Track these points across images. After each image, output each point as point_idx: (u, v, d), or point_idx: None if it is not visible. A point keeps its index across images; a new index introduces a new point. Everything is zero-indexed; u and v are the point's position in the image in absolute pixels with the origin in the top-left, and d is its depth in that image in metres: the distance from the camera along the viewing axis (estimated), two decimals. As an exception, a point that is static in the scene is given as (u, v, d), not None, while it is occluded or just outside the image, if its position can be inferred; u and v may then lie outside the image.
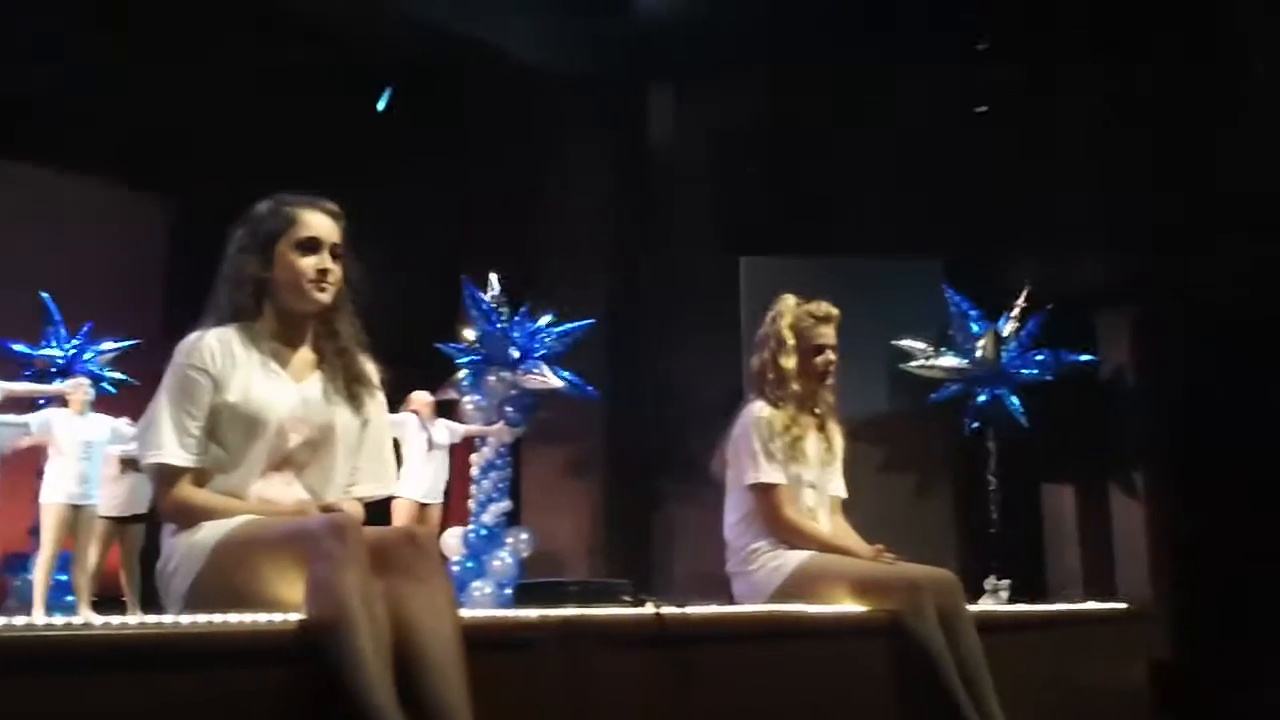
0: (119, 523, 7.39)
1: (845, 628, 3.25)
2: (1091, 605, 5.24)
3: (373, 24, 8.71)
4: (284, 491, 2.43)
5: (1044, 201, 8.06)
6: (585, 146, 9.38)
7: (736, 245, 8.51)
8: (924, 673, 3.19)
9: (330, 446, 2.48)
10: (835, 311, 3.71)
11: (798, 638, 3.05)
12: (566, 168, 9.38)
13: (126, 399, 7.69)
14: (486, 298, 8.44)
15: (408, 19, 8.56)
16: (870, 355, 7.63)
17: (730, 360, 6.96)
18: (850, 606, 3.34)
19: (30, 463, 7.21)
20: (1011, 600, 7.14)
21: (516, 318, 8.42)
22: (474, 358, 8.44)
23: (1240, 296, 6.77)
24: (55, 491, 6.95)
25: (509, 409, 8.43)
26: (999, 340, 8.04)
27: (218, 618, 1.95)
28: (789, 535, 3.51)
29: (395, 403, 5.68)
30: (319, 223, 2.50)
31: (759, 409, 3.60)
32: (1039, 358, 8.07)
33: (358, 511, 2.53)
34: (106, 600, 7.19)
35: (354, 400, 2.53)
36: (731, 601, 3.57)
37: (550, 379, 8.36)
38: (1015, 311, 8.14)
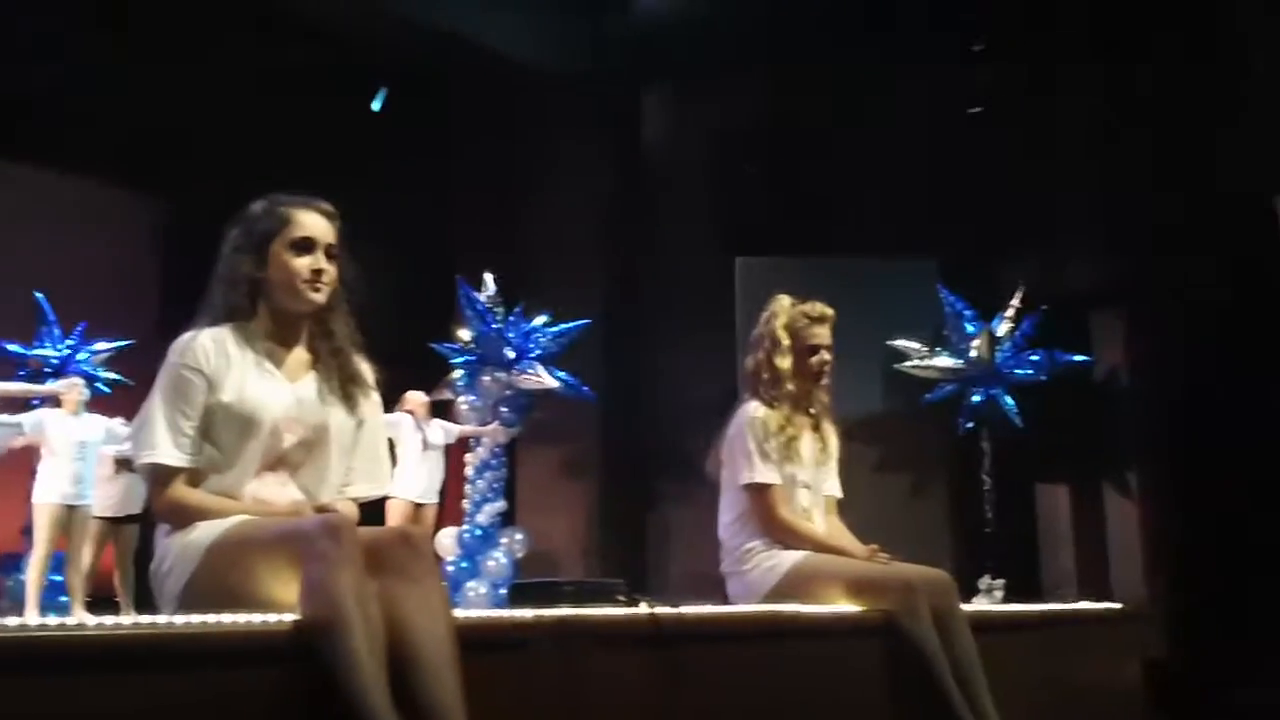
0: (113, 523, 7.39)
1: (840, 628, 3.25)
2: (1086, 605, 5.23)
3: (368, 24, 8.70)
4: (278, 492, 2.43)
5: (1039, 202, 8.08)
6: (581, 146, 9.38)
7: (732, 245, 8.51)
8: (918, 673, 3.19)
9: (325, 447, 2.48)
10: (830, 312, 3.71)
11: (792, 638, 3.05)
12: (562, 167, 9.38)
13: (121, 399, 7.67)
14: (481, 298, 8.43)
15: (403, 19, 8.56)
16: (865, 355, 7.64)
17: (725, 360, 6.96)
18: (845, 607, 3.34)
19: (24, 463, 7.20)
20: (1006, 600, 7.15)
21: (511, 318, 8.41)
22: (469, 358, 8.44)
23: (1234, 297, 6.77)
24: (49, 491, 6.94)
25: (504, 409, 8.42)
26: (993, 340, 8.05)
27: (212, 618, 1.94)
28: (783, 535, 3.51)
29: (390, 403, 5.70)
30: (314, 223, 2.50)
31: (754, 409, 3.60)
32: (1033, 358, 8.07)
33: (352, 512, 2.53)
34: (100, 601, 7.19)
35: (349, 400, 2.53)
36: (726, 602, 3.57)
37: (545, 379, 8.35)
38: (1010, 312, 8.15)
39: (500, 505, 8.39)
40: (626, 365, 9.17)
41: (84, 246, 8.66)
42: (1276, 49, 6.89)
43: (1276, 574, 6.39)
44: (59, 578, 7.15)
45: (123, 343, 8.49)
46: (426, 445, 7.76)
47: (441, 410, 8.26)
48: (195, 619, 1.94)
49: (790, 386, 3.62)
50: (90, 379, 7.87)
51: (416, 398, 7.80)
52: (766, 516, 3.51)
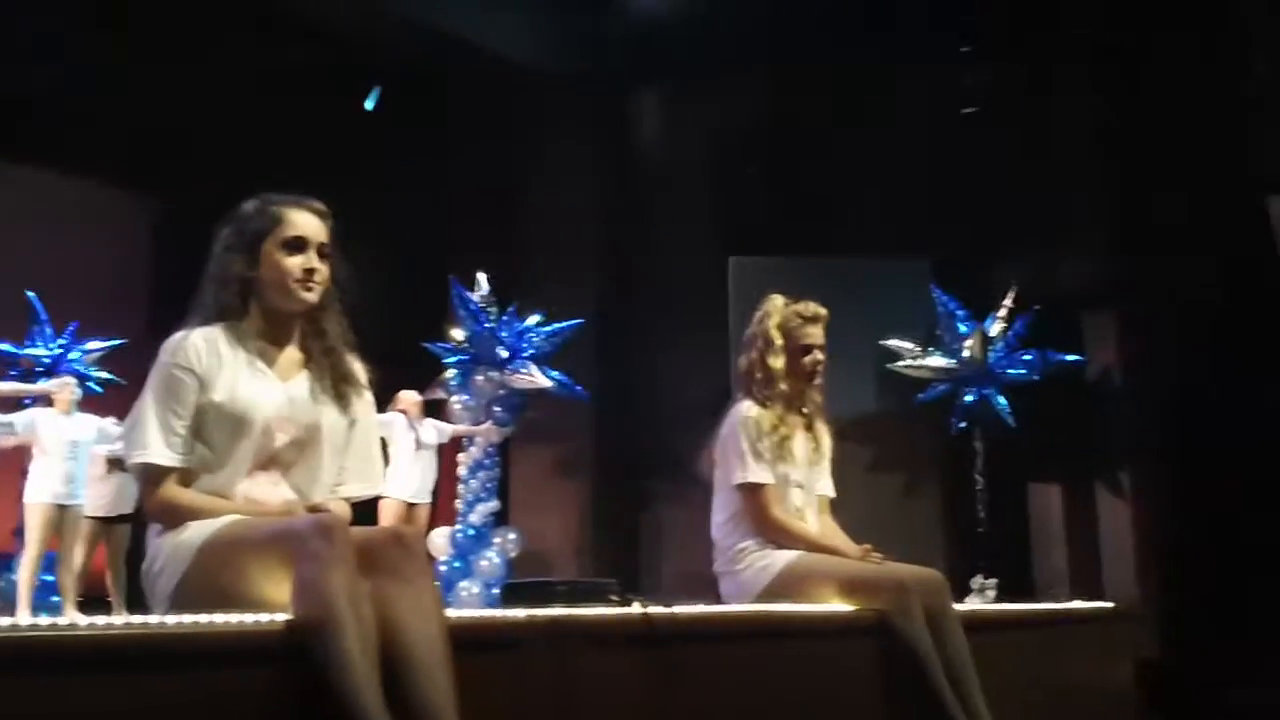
0: (105, 523, 7.37)
1: (832, 627, 3.25)
2: (1078, 605, 5.25)
3: (364, 24, 8.69)
4: (270, 491, 2.42)
5: (1032, 202, 8.08)
6: (574, 146, 9.38)
7: (726, 245, 8.51)
8: (911, 672, 3.19)
9: (317, 446, 2.48)
10: (823, 311, 3.71)
11: (785, 637, 3.05)
12: (555, 167, 9.38)
13: (113, 398, 7.66)
14: (475, 297, 8.42)
15: (398, 19, 8.55)
16: (858, 355, 7.63)
17: (718, 360, 6.97)
18: (838, 606, 3.35)
19: (15, 462, 7.19)
20: (998, 600, 7.16)
21: (505, 317, 8.41)
22: (462, 357, 8.43)
23: (1227, 297, 6.78)
24: (40, 491, 6.93)
25: (497, 409, 8.42)
26: (986, 340, 8.06)
27: (204, 618, 1.94)
28: (776, 535, 3.52)
29: (383, 402, 5.68)
30: (305, 222, 2.49)
31: (747, 409, 3.60)
32: (1026, 358, 8.08)
33: (344, 511, 2.53)
34: (92, 601, 7.17)
35: (341, 400, 2.52)
36: (719, 601, 3.58)
37: (538, 379, 8.35)
38: (1002, 312, 8.16)
39: (493, 505, 8.39)
40: (620, 365, 9.17)
41: (76, 246, 8.65)
42: (1277, 49, 6.90)
43: (1269, 574, 6.40)
44: (51, 578, 7.13)
45: (115, 342, 8.47)
46: (419, 445, 7.75)
47: (434, 410, 8.26)
48: (187, 619, 1.93)
49: (783, 386, 3.62)
50: (82, 378, 7.85)
51: (409, 397, 7.80)
52: (759, 516, 3.52)
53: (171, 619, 1.94)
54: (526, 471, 9.11)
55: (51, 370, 8.12)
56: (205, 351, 2.40)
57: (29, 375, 7.98)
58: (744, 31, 8.51)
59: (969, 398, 8.07)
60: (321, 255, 2.49)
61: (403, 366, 7.69)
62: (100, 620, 1.90)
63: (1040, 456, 8.22)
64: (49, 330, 8.35)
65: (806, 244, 8.07)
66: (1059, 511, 8.41)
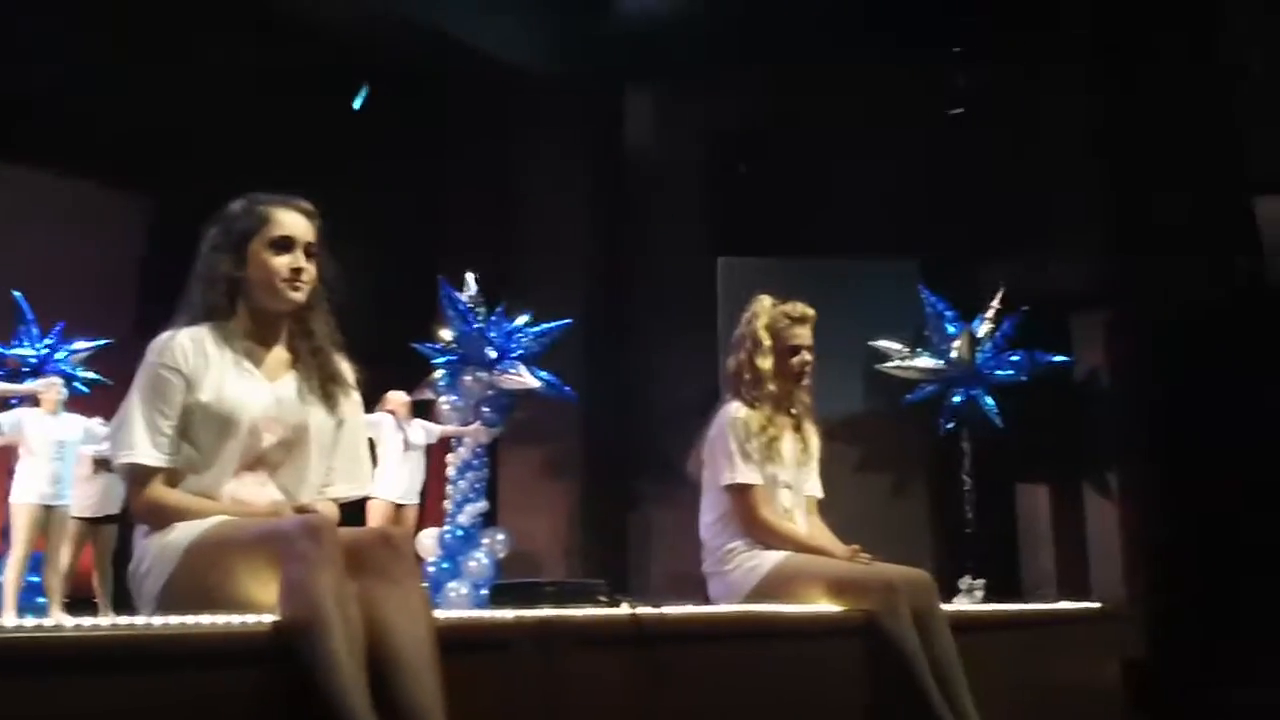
0: (91, 523, 7.34)
1: (821, 628, 3.25)
2: (1065, 605, 5.26)
3: (356, 24, 8.67)
4: (258, 492, 2.42)
5: (1021, 203, 8.10)
6: (563, 146, 9.37)
7: (714, 245, 8.52)
8: (898, 673, 3.20)
9: (304, 446, 2.47)
10: (811, 312, 3.72)
11: (773, 638, 3.05)
12: (545, 167, 9.37)
13: (100, 399, 7.63)
14: (463, 297, 8.41)
15: (390, 19, 8.54)
16: (846, 356, 7.65)
17: (707, 360, 6.98)
18: (826, 607, 3.35)
19: (1, 463, 7.15)
20: (986, 600, 7.17)
21: (493, 318, 8.39)
22: (450, 358, 8.41)
23: (1215, 298, 6.80)
24: (27, 492, 6.90)
25: (486, 409, 8.41)
26: (974, 341, 8.08)
27: (190, 619, 1.93)
28: (765, 535, 3.52)
29: (371, 402, 5.67)
30: (293, 221, 2.48)
31: (735, 409, 3.61)
32: (1014, 359, 8.10)
33: (332, 512, 2.52)
34: (78, 602, 7.14)
35: (329, 400, 2.52)
36: (707, 602, 3.58)
37: (527, 379, 8.34)
38: (990, 313, 8.18)
39: (482, 505, 8.37)
40: (609, 365, 9.17)
41: (63, 245, 8.61)
42: (1272, 49, 6.92)
43: (1256, 574, 6.42)
44: (37, 579, 7.11)
45: (101, 342, 8.44)
46: (408, 445, 7.74)
47: (423, 410, 8.25)
48: (174, 620, 1.93)
49: (771, 387, 3.62)
50: (69, 378, 7.83)
51: (398, 397, 7.78)
52: (748, 517, 3.52)
53: (158, 620, 1.94)
54: (515, 472, 9.10)
55: (38, 370, 8.08)
56: (192, 351, 2.40)
57: (15, 375, 7.94)
58: (734, 33, 8.52)
59: (957, 398, 8.09)
60: (309, 255, 2.48)
61: (391, 367, 7.69)
62: (87, 621, 1.89)
63: (1028, 457, 8.25)
64: (35, 330, 8.32)
65: (794, 244, 8.08)
66: (1046, 512, 8.44)
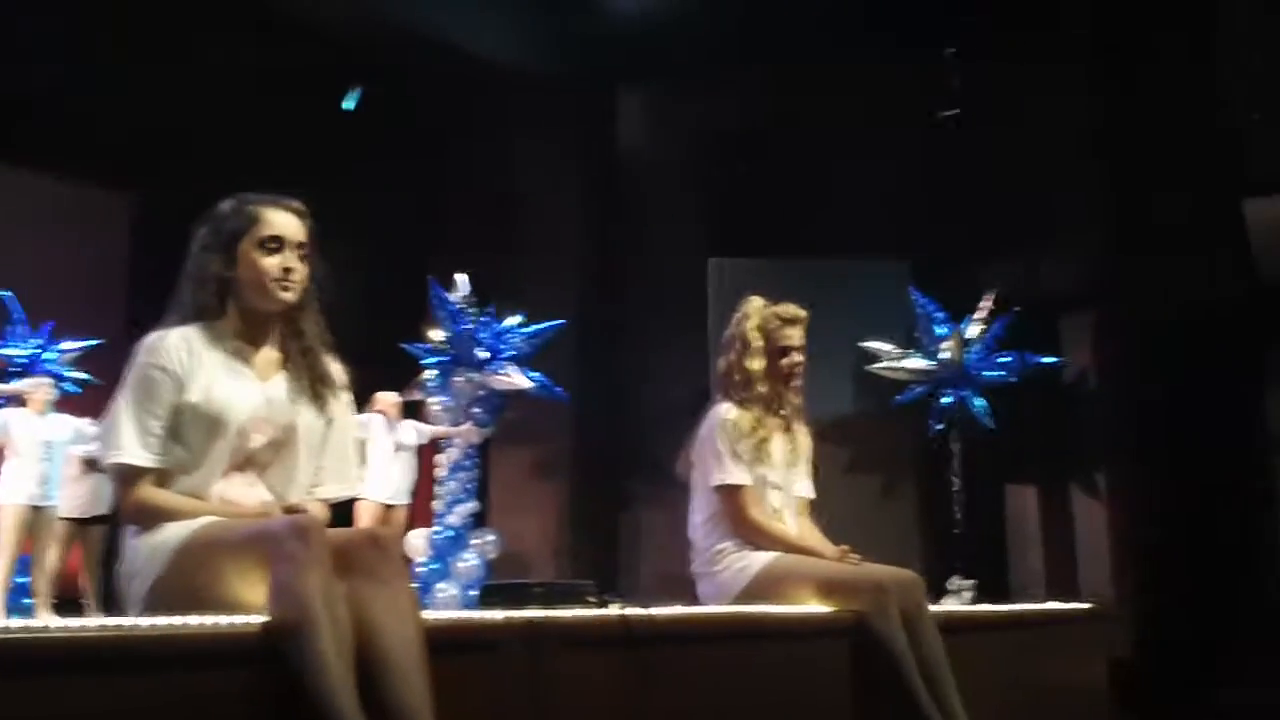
0: (80, 524, 7.31)
1: (810, 628, 3.26)
2: (1054, 605, 5.27)
3: (347, 24, 8.65)
4: (246, 492, 2.41)
5: (1011, 205, 8.11)
6: (555, 146, 9.37)
7: (707, 246, 8.52)
8: (887, 673, 3.20)
9: (293, 447, 2.47)
10: (802, 313, 3.72)
11: (763, 639, 3.06)
12: (536, 167, 9.36)
13: (89, 399, 7.59)
14: (454, 298, 8.40)
15: (380, 19, 8.52)
16: (836, 357, 7.65)
17: (698, 361, 6.97)
18: (815, 607, 3.36)
19: (-11, 463, 7.13)
20: (975, 601, 7.18)
21: (484, 318, 8.38)
22: (441, 358, 8.40)
23: (1203, 300, 6.82)
24: (14, 492, 6.88)
25: (476, 410, 8.39)
26: (964, 342, 8.09)
27: (179, 620, 1.93)
28: (754, 536, 3.52)
29: (361, 403, 5.67)
30: (283, 221, 2.48)
31: (725, 410, 3.61)
32: (1004, 360, 8.11)
33: (321, 513, 2.52)
34: (66, 603, 7.12)
35: (318, 400, 2.51)
36: (697, 602, 3.58)
37: (518, 380, 8.33)
38: (980, 314, 8.19)
39: (472, 506, 8.36)
40: (600, 366, 9.17)
41: (52, 245, 8.57)
42: (1272, 49, 6.93)
43: (1243, 575, 6.44)
44: (24, 579, 7.08)
45: (91, 342, 8.39)
46: (398, 446, 7.73)
47: (413, 411, 8.24)
48: (162, 621, 1.93)
49: (761, 388, 3.63)
50: (58, 378, 7.79)
51: (388, 398, 7.78)
52: (737, 517, 3.52)
53: (146, 621, 1.94)
54: (505, 473, 9.10)
55: (27, 370, 8.05)
56: (182, 351, 2.39)
57: (3, 375, 7.91)
58: (728, 33, 8.52)
59: (947, 399, 8.10)
60: (299, 255, 2.48)
61: (381, 367, 7.68)
62: (75, 622, 1.89)
63: (1017, 458, 8.27)
64: (24, 329, 8.29)
65: (785, 245, 8.09)
66: (1035, 513, 8.46)
